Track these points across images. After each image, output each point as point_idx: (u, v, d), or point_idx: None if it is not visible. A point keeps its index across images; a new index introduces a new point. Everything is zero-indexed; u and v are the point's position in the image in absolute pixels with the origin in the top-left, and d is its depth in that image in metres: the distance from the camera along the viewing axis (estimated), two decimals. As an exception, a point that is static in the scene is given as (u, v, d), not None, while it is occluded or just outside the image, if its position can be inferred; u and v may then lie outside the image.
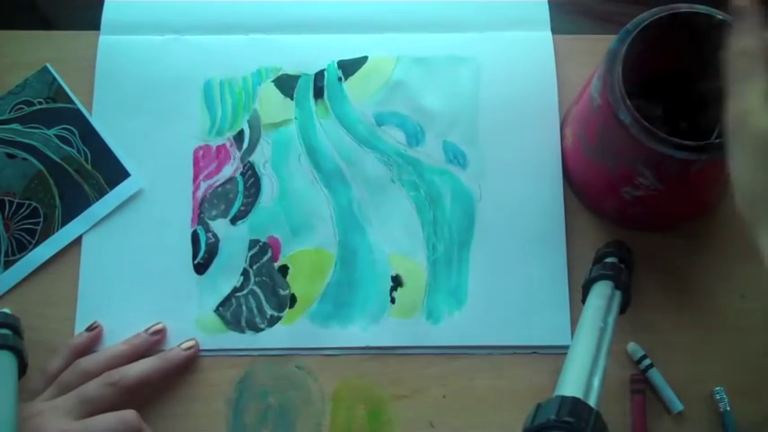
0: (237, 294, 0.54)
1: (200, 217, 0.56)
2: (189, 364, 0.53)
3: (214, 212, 0.56)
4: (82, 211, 0.55)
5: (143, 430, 0.48)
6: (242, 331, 0.54)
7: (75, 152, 0.57)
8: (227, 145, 0.57)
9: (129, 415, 0.48)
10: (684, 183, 0.48)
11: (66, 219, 0.55)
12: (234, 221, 0.56)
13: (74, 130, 0.57)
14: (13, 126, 0.57)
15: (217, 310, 0.54)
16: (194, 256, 0.55)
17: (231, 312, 0.54)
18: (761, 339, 0.53)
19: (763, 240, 0.41)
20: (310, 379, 0.53)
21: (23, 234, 0.55)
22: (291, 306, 0.54)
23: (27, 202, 0.56)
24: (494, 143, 0.57)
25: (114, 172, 0.56)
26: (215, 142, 0.57)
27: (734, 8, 0.42)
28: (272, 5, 0.60)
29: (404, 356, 0.53)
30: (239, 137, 0.57)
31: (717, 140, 0.44)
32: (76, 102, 0.58)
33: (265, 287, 0.54)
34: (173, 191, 0.56)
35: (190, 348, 0.52)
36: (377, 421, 0.52)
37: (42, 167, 0.56)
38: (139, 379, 0.50)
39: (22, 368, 0.49)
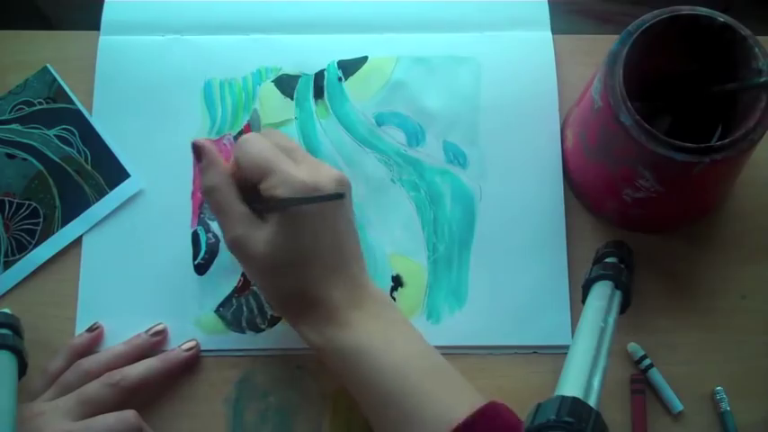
0: (238, 295, 0.54)
1: (200, 217, 0.56)
2: (189, 365, 0.53)
3: (215, 213, 0.56)
4: (82, 212, 0.55)
5: (143, 430, 0.48)
6: (242, 332, 0.54)
7: (75, 152, 0.57)
8: (228, 145, 0.57)
9: (130, 415, 0.48)
10: (685, 185, 0.48)
11: (66, 219, 0.55)
12: (234, 222, 0.56)
13: (74, 130, 0.57)
14: (14, 126, 0.57)
15: (217, 311, 0.54)
16: (195, 257, 0.55)
17: (232, 313, 0.54)
18: (761, 340, 0.53)
19: (303, 334, 0.47)
20: (310, 379, 0.53)
21: (23, 234, 0.55)
22: (292, 306, 0.54)
23: (27, 202, 0.56)
24: (494, 143, 0.57)
25: (114, 172, 0.56)
26: (215, 143, 0.57)
27: (194, 147, 0.48)
28: (272, 5, 0.60)
29: (404, 357, 0.53)
30: (239, 137, 0.57)
31: (717, 143, 0.44)
32: (76, 102, 0.58)
33: (266, 288, 0.54)
34: (173, 191, 0.56)
35: (190, 349, 0.52)
36: (377, 421, 0.52)
37: (42, 168, 0.56)
38: (140, 380, 0.50)
39: (23, 368, 0.49)
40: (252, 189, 0.46)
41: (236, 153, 0.47)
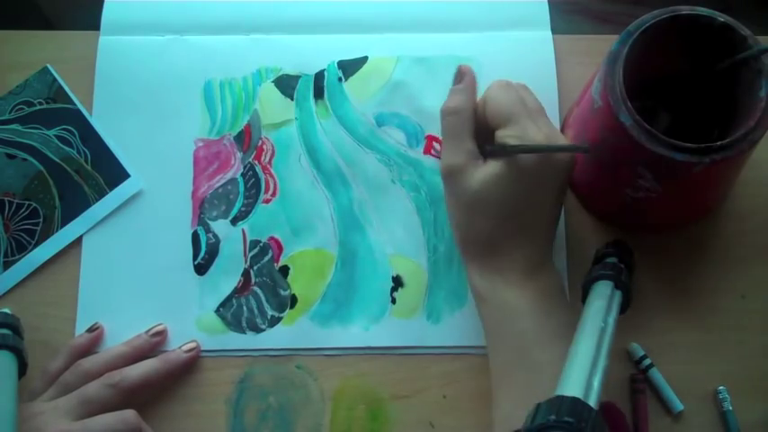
0: (238, 295, 0.54)
1: (200, 217, 0.56)
2: (190, 366, 0.53)
3: (215, 213, 0.56)
4: (82, 212, 0.55)
5: (143, 429, 0.48)
6: (243, 332, 0.54)
7: (75, 153, 0.57)
8: (228, 145, 0.57)
9: (129, 415, 0.48)
10: (685, 185, 0.48)
11: (66, 219, 0.55)
12: (234, 222, 0.56)
13: (74, 130, 0.57)
14: (14, 126, 0.57)
15: (217, 311, 0.54)
16: (195, 257, 0.55)
17: (232, 313, 0.54)
18: (761, 340, 0.53)
19: (471, 275, 0.48)
20: (310, 379, 0.53)
21: (23, 235, 0.55)
22: (292, 306, 0.54)
23: (27, 202, 0.56)
24: (494, 143, 0.57)
25: (114, 173, 0.56)
26: (215, 143, 0.57)
27: (457, 71, 0.50)
28: (272, 5, 0.60)
29: (404, 356, 0.53)
30: (240, 137, 0.57)
31: (717, 143, 0.44)
32: (77, 102, 0.58)
33: (266, 288, 0.54)
34: (173, 191, 0.56)
35: (191, 351, 0.52)
36: (377, 421, 0.52)
37: (42, 168, 0.56)
38: (140, 381, 0.50)
39: (22, 368, 0.49)
40: (485, 134, 0.48)
41: (487, 94, 0.48)
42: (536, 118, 0.47)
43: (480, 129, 0.48)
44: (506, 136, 0.46)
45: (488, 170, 0.46)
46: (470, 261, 0.48)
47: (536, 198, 0.47)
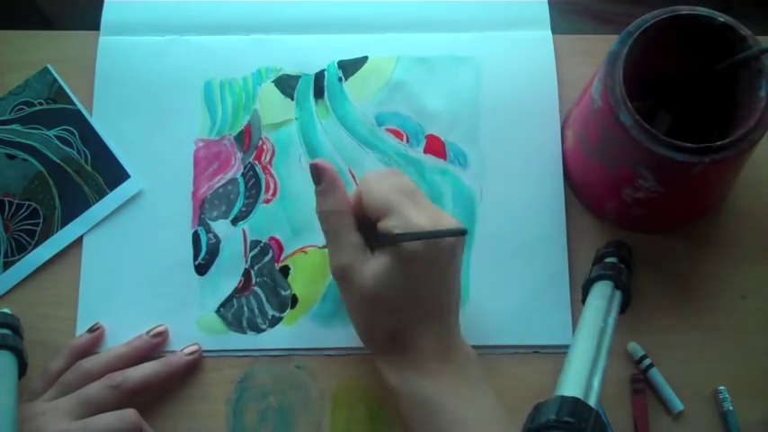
0: (239, 295, 0.54)
1: (200, 218, 0.56)
2: (191, 369, 0.53)
3: (215, 213, 0.56)
4: (82, 213, 0.55)
5: (143, 429, 0.48)
6: (243, 332, 0.54)
7: (75, 153, 0.57)
8: (228, 146, 0.57)
9: (130, 414, 0.48)
10: (685, 185, 0.48)
11: (66, 220, 0.55)
12: (235, 222, 0.56)
13: (74, 131, 0.57)
14: (14, 127, 0.57)
15: (218, 311, 0.54)
16: (195, 257, 0.55)
17: (232, 313, 0.54)
18: (761, 339, 0.53)
19: (384, 372, 0.46)
20: (310, 379, 0.53)
21: (23, 235, 0.55)
22: (293, 306, 0.54)
23: (27, 202, 0.56)
24: (494, 143, 0.57)
25: (114, 173, 0.56)
26: (215, 143, 0.57)
27: (313, 168, 0.47)
28: (273, 5, 0.60)
29: (404, 357, 0.53)
30: (240, 137, 0.57)
31: (717, 143, 0.44)
32: (77, 103, 0.58)
33: (266, 288, 0.54)
34: (173, 192, 0.56)
35: (192, 354, 0.52)
36: (377, 421, 0.52)
37: (42, 168, 0.56)
38: (141, 382, 0.50)
39: (23, 368, 0.49)
40: (368, 226, 0.46)
41: (360, 188, 0.46)
42: (416, 201, 0.45)
43: (362, 221, 0.46)
44: (390, 226, 0.44)
45: (378, 264, 0.44)
46: (379, 358, 0.47)
47: (431, 283, 0.45)
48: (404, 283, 0.44)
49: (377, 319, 0.46)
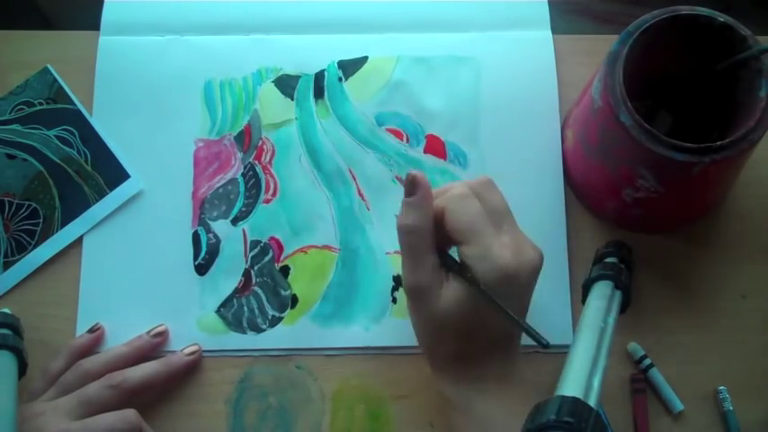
0: (239, 295, 0.54)
1: (200, 218, 0.56)
2: (191, 369, 0.53)
3: (215, 213, 0.56)
4: (81, 213, 0.55)
5: (143, 429, 0.48)
6: (243, 332, 0.54)
7: (75, 153, 0.57)
8: (228, 146, 0.57)
9: (130, 414, 0.48)
10: (685, 185, 0.48)
11: (66, 220, 0.55)
12: (235, 222, 0.56)
13: (74, 131, 0.57)
14: (14, 127, 0.57)
15: (218, 311, 0.54)
16: (195, 257, 0.55)
17: (233, 313, 0.54)
18: (761, 340, 0.53)
19: (443, 385, 0.47)
20: (310, 379, 0.53)
21: (23, 235, 0.55)
22: (293, 306, 0.54)
23: (27, 202, 0.56)
24: (494, 143, 0.57)
25: (114, 173, 0.56)
26: (215, 143, 0.57)
27: (409, 179, 0.45)
28: (273, 5, 0.60)
29: (404, 356, 0.53)
30: (240, 137, 0.57)
31: (717, 143, 0.44)
32: (77, 103, 0.58)
33: (267, 288, 0.54)
34: (173, 192, 0.56)
35: (193, 354, 0.52)
36: (377, 421, 0.52)
37: (42, 168, 0.56)
38: (141, 383, 0.50)
39: (23, 368, 0.49)
40: (445, 242, 0.45)
41: (446, 205, 0.45)
42: (500, 227, 0.44)
43: (442, 236, 0.45)
44: (470, 256, 0.43)
45: (454, 290, 0.44)
46: (441, 372, 0.47)
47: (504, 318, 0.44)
48: (475, 316, 0.44)
49: (445, 341, 0.45)
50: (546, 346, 0.42)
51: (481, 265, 0.43)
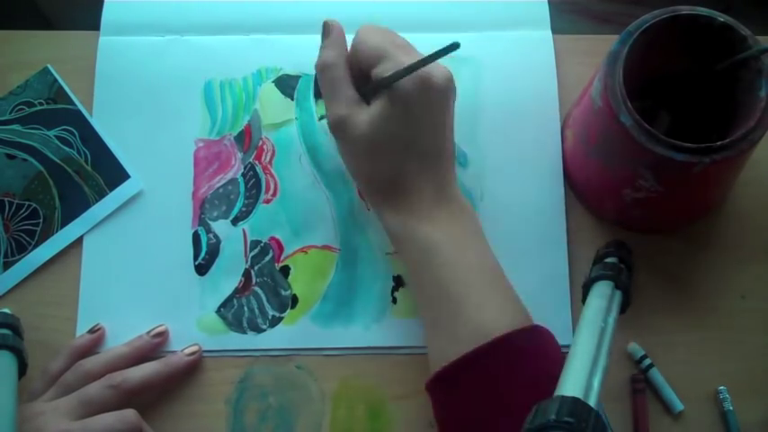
0: (239, 295, 0.54)
1: (201, 218, 0.56)
2: (191, 369, 0.53)
3: (215, 213, 0.56)
4: (81, 213, 0.55)
5: (143, 429, 0.48)
6: (243, 332, 0.54)
7: (75, 153, 0.57)
8: (228, 146, 0.57)
9: (129, 414, 0.48)
10: (685, 185, 0.48)
11: (66, 220, 0.55)
12: (235, 222, 0.56)
13: (74, 131, 0.57)
14: (14, 127, 0.57)
15: (218, 311, 0.54)
16: (195, 257, 0.55)
17: (233, 313, 0.54)
18: (761, 340, 0.53)
19: (384, 218, 0.49)
20: (310, 379, 0.53)
21: (23, 235, 0.55)
22: (293, 306, 0.54)
23: (27, 203, 0.56)
24: (494, 143, 0.57)
25: (114, 173, 0.56)
26: (216, 143, 0.57)
27: (324, 25, 0.50)
28: (272, 5, 0.60)
29: (404, 356, 0.53)
30: (240, 137, 0.57)
31: (717, 143, 0.44)
32: (77, 103, 0.58)
33: (267, 288, 0.54)
34: (173, 192, 0.56)
35: (193, 354, 0.52)
36: (377, 421, 0.52)
37: (42, 168, 0.56)
38: (141, 383, 0.50)
39: (23, 368, 0.49)
40: (363, 78, 0.48)
41: (354, 40, 0.49)
42: (408, 51, 0.48)
43: (357, 77, 0.49)
44: (382, 71, 0.46)
45: (374, 111, 0.46)
46: (380, 204, 0.49)
47: (427, 125, 0.47)
48: (399, 127, 0.46)
49: (375, 166, 0.48)
50: (456, 45, 0.43)
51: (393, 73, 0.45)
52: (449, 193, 0.48)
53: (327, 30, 0.50)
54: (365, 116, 0.47)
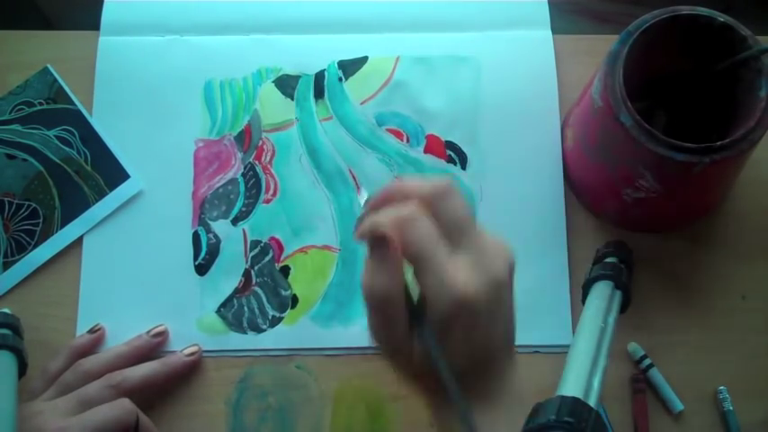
0: (239, 295, 0.54)
1: (201, 218, 0.56)
2: (191, 369, 0.53)
3: (215, 213, 0.56)
4: (81, 213, 0.55)
5: (138, 417, 0.48)
6: (243, 332, 0.54)
7: (75, 153, 0.57)
8: (228, 146, 0.57)
9: (124, 402, 0.48)
10: (685, 185, 0.48)
11: (66, 220, 0.55)
12: (235, 222, 0.56)
13: (74, 131, 0.57)
14: (14, 127, 0.57)
15: (218, 311, 0.54)
16: (195, 257, 0.55)
17: (233, 313, 0.54)
18: (761, 340, 0.53)
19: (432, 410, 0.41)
20: (310, 379, 0.53)
21: (23, 235, 0.55)
22: (293, 306, 0.54)
23: (27, 203, 0.56)
24: (494, 143, 0.57)
25: (114, 173, 0.56)
26: (216, 143, 0.57)
27: (371, 233, 0.38)
28: (272, 5, 0.60)
29: (404, 357, 0.53)
30: (240, 137, 0.57)
31: (717, 143, 0.44)
32: (77, 103, 0.58)
33: (267, 288, 0.54)
34: (173, 192, 0.56)
35: (192, 354, 0.52)
36: (377, 421, 0.52)
37: (42, 168, 0.56)
38: (141, 382, 0.50)
39: (22, 368, 0.49)
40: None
41: (401, 237, 0.37)
42: (458, 243, 0.38)
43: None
44: (424, 286, 0.38)
45: (423, 349, 0.39)
46: (422, 397, 0.42)
47: (477, 339, 0.40)
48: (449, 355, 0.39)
49: (424, 384, 0.41)
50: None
51: (433, 295, 0.37)
52: (501, 385, 0.41)
53: (380, 243, 0.37)
54: (416, 348, 0.39)
